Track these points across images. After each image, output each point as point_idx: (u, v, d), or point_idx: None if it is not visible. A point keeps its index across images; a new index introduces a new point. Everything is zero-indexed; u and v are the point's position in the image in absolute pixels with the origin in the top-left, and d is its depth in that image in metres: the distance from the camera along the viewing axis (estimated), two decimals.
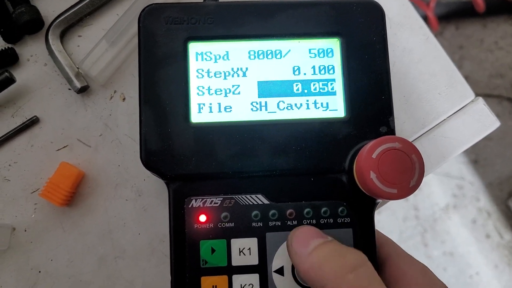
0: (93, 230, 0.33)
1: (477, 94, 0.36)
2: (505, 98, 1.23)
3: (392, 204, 1.31)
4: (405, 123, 0.35)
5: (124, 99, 0.34)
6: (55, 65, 0.34)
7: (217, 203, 0.29)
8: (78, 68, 0.33)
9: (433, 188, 1.21)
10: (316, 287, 0.25)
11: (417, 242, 1.19)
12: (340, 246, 0.26)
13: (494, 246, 1.20)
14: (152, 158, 0.28)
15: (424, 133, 0.35)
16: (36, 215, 0.33)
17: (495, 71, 1.26)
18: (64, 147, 0.33)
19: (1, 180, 0.33)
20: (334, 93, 0.30)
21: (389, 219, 1.20)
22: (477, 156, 1.22)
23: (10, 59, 0.34)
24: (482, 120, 0.35)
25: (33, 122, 0.33)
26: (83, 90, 0.34)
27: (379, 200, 0.29)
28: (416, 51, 0.36)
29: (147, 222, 0.33)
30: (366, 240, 0.29)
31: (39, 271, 0.32)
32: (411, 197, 1.20)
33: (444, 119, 0.35)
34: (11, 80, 0.32)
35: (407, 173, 0.26)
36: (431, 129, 0.35)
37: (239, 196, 0.29)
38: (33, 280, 0.32)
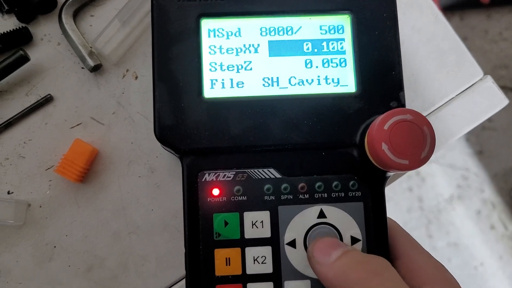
0: (107, 206, 0.33)
1: None
2: (510, 89, 1.23)
3: (396, 195, 1.31)
4: (414, 101, 0.35)
5: (136, 77, 0.34)
6: (68, 44, 0.34)
7: (230, 177, 0.29)
8: (91, 47, 0.34)
9: (437, 179, 1.21)
10: None
11: (422, 233, 1.20)
12: (362, 254, 0.27)
13: (499, 237, 1.20)
14: (166, 133, 0.29)
15: (433, 111, 0.36)
16: (51, 191, 0.33)
17: (500, 62, 1.26)
18: (77, 125, 0.34)
19: (16, 157, 0.33)
20: (345, 69, 0.30)
21: (394, 211, 1.21)
22: (482, 147, 1.22)
23: (24, 38, 0.34)
24: (491, 98, 0.36)
25: (47, 100, 0.34)
26: (96, 69, 0.34)
27: (389, 174, 0.30)
28: (425, 31, 0.36)
29: (160, 198, 0.33)
30: (377, 214, 0.30)
31: (54, 246, 0.33)
32: (415, 188, 1.20)
33: (453, 97, 0.36)
34: (25, 59, 0.33)
35: (419, 144, 0.27)
36: (440, 107, 0.36)
37: (252, 170, 0.30)
38: (49, 255, 0.33)
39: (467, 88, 0.36)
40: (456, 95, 0.36)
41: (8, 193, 0.33)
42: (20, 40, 0.34)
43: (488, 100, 0.35)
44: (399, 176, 0.36)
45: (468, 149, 1.22)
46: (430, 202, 1.21)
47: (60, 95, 0.34)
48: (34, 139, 0.34)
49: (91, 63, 0.33)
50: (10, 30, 0.34)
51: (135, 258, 0.33)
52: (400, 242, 0.29)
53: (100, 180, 0.33)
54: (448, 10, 1.22)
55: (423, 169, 1.20)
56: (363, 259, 0.26)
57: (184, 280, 0.33)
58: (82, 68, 0.34)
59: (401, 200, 1.21)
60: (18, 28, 0.34)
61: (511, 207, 1.21)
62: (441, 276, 0.27)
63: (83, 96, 0.34)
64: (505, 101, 0.36)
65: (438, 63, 0.36)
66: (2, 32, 0.34)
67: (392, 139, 0.27)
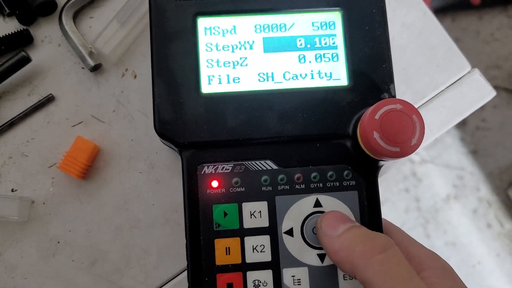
0: (109, 201, 0.34)
1: None
2: (503, 89, 1.24)
3: (393, 196, 1.31)
4: (405, 94, 0.37)
5: (135, 76, 0.36)
6: (68, 45, 0.35)
7: (228, 169, 0.30)
8: (91, 47, 0.35)
9: (433, 179, 1.22)
10: (346, 267, 0.26)
11: (419, 233, 1.20)
12: (368, 230, 0.27)
13: (496, 235, 1.21)
14: (166, 127, 0.30)
15: (423, 104, 0.37)
16: (54, 188, 0.34)
17: (492, 63, 1.28)
18: (79, 123, 0.35)
19: (19, 155, 0.34)
20: (337, 63, 0.32)
21: (391, 211, 1.21)
22: (476, 146, 1.23)
23: (25, 40, 0.35)
24: (479, 90, 0.37)
25: (48, 100, 0.35)
26: (96, 69, 0.35)
27: (382, 163, 0.31)
28: (414, 26, 0.38)
29: (160, 193, 0.34)
30: (371, 202, 0.31)
31: (58, 242, 0.34)
32: (412, 189, 1.21)
33: (442, 90, 0.37)
34: (27, 59, 0.34)
35: (409, 132, 0.28)
36: (430, 99, 0.37)
37: (249, 162, 0.30)
38: (53, 250, 0.33)
39: (456, 81, 0.37)
40: (446, 88, 0.37)
41: (12, 190, 0.34)
42: (22, 42, 0.35)
43: (476, 91, 0.37)
44: (391, 167, 0.37)
45: (463, 148, 1.23)
46: (427, 202, 1.22)
47: (62, 94, 0.35)
48: (36, 138, 0.35)
49: (91, 63, 0.34)
50: (11, 33, 0.35)
51: (137, 252, 0.34)
52: (396, 237, 0.30)
53: (101, 176, 0.34)
54: (439, 12, 1.24)
55: (419, 169, 1.21)
56: (369, 235, 0.27)
57: (185, 272, 0.34)
58: (83, 68, 0.35)
59: (398, 201, 1.22)
60: (19, 30, 0.35)
61: (507, 205, 1.22)
62: (437, 262, 0.28)
63: (83, 95, 0.35)
64: (492, 93, 0.37)
65: (427, 58, 0.37)
66: (3, 35, 0.35)
67: (383, 128, 0.28)
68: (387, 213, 1.34)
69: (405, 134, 0.28)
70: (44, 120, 0.35)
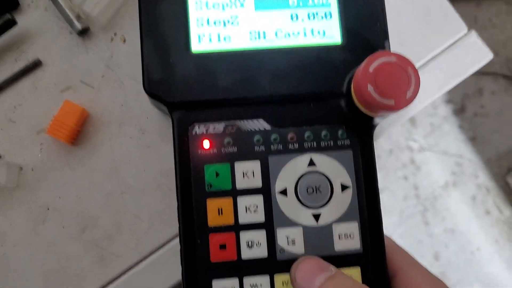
0: (99, 167, 0.33)
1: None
2: (501, 75, 1.24)
3: (392, 184, 1.31)
4: None
5: (124, 40, 0.35)
6: (55, 9, 0.34)
7: (220, 129, 0.30)
8: (78, 10, 0.34)
9: (432, 166, 1.21)
10: None
11: (418, 220, 1.20)
12: (345, 280, 0.26)
13: (494, 221, 1.21)
14: (155, 87, 0.29)
15: (419, 67, 0.36)
16: (42, 154, 0.33)
17: (490, 49, 1.27)
18: (67, 88, 0.34)
19: (7, 122, 0.34)
20: (330, 21, 0.31)
21: (390, 200, 1.21)
22: (474, 133, 1.23)
23: (11, 4, 0.34)
24: (475, 53, 0.36)
25: (36, 65, 0.34)
26: (84, 32, 0.34)
27: (377, 121, 0.30)
28: None
29: (151, 158, 0.34)
30: (366, 162, 0.30)
31: (48, 208, 0.33)
32: (410, 176, 1.21)
33: (439, 53, 0.36)
34: (13, 22, 0.33)
35: (403, 84, 0.27)
36: (426, 62, 0.36)
37: (241, 121, 0.30)
38: (42, 217, 0.33)
39: (452, 43, 0.36)
40: (442, 51, 0.36)
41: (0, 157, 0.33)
42: (7, 6, 0.34)
43: (473, 54, 0.36)
44: (386, 130, 0.37)
45: (461, 135, 1.23)
46: (426, 189, 1.22)
47: (49, 59, 0.34)
48: (24, 104, 0.34)
49: (79, 26, 0.34)
50: None
51: (129, 218, 0.33)
52: (397, 259, 0.29)
53: (91, 142, 0.34)
54: None
55: (418, 157, 1.21)
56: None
57: (177, 237, 0.33)
58: (71, 33, 0.35)
59: (397, 189, 1.22)
60: None
61: (506, 192, 1.22)
62: None
63: (72, 60, 0.34)
64: (489, 55, 0.36)
65: (423, 20, 0.36)
66: None
67: (378, 80, 0.27)
68: (385, 201, 1.33)
69: (400, 87, 0.27)
70: (32, 86, 0.34)
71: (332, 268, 0.27)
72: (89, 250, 0.33)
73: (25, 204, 0.33)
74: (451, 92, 1.21)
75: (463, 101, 1.22)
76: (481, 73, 1.19)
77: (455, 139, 1.23)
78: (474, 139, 1.23)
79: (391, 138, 1.21)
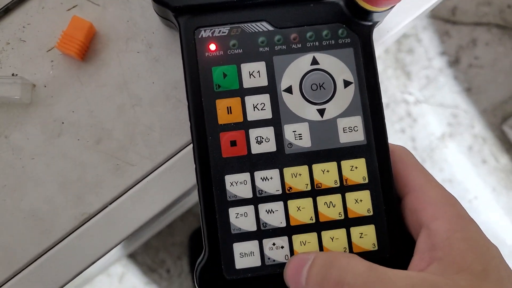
0: (109, 82, 0.35)
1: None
2: (494, 25, 1.24)
3: (389, 137, 1.33)
4: None
5: None
6: None
7: (225, 32, 0.31)
8: None
9: (428, 118, 1.23)
10: None
11: None
12: (324, 260, 0.26)
13: (491, 170, 1.23)
14: None
15: None
16: (54, 71, 0.34)
17: None
18: (73, 7, 0.35)
19: (17, 41, 0.35)
20: None
21: None
22: (470, 84, 1.24)
23: None
24: None
25: None
26: None
27: (376, 19, 0.31)
28: None
29: (159, 71, 0.35)
30: (367, 58, 0.31)
31: (62, 122, 0.34)
32: (407, 129, 1.23)
33: None
34: None
35: None
36: None
37: (245, 24, 0.31)
38: (57, 131, 0.34)
39: None
40: None
41: (13, 75, 0.34)
42: None
43: None
44: (384, 36, 0.37)
45: (457, 87, 1.24)
46: (423, 141, 1.23)
47: None
48: (32, 23, 0.35)
49: None
50: None
51: (141, 128, 0.34)
52: (413, 176, 0.30)
53: (100, 58, 0.35)
54: None
55: (414, 110, 1.22)
56: (325, 272, 0.26)
57: (190, 145, 0.34)
58: None
59: (394, 142, 1.22)
60: None
61: (501, 141, 1.24)
62: (452, 210, 0.27)
63: None
64: None
65: None
66: None
67: None
68: None
69: None
70: (39, 6, 0.35)
71: (310, 256, 0.27)
72: (105, 161, 0.34)
73: (40, 119, 0.34)
74: (446, 44, 1.22)
75: (457, 53, 1.23)
76: (475, 23, 1.19)
77: (450, 91, 1.24)
78: (469, 90, 1.24)
79: (387, 92, 1.22)
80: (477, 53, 1.23)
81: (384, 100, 1.22)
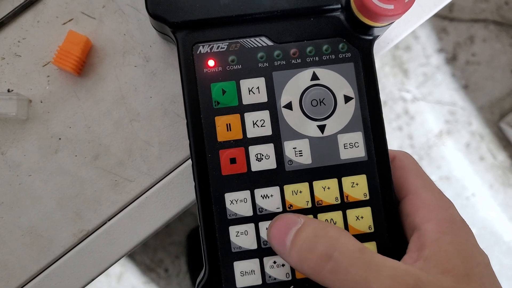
0: (107, 96, 0.34)
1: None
2: (491, 22, 1.24)
3: (386, 135, 1.33)
4: None
5: None
6: None
7: (223, 47, 0.30)
8: None
9: (426, 115, 1.23)
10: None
11: None
12: (313, 227, 0.26)
13: (488, 167, 1.24)
14: (158, 7, 0.30)
15: None
16: (50, 86, 0.34)
17: None
18: (69, 20, 0.34)
19: (12, 56, 0.34)
20: None
21: None
22: (467, 81, 1.24)
23: None
24: None
25: None
26: None
27: (377, 33, 0.31)
28: None
29: (157, 85, 0.34)
30: (367, 73, 0.31)
31: (59, 138, 0.34)
32: (404, 126, 1.23)
33: None
34: None
35: None
36: None
37: (244, 39, 0.31)
38: (55, 147, 0.34)
39: None
40: None
41: (8, 91, 0.34)
42: None
43: None
44: (384, 48, 0.37)
45: (454, 84, 1.24)
46: (420, 139, 1.23)
47: None
48: (28, 38, 0.34)
49: None
50: None
51: (139, 144, 0.34)
52: (410, 180, 0.30)
53: (97, 72, 0.34)
54: None
55: (412, 107, 1.22)
56: (313, 241, 0.25)
57: (188, 160, 0.34)
58: None
59: (392, 139, 1.23)
60: None
61: (499, 137, 1.24)
62: (444, 214, 0.27)
63: None
64: None
65: None
66: None
67: None
68: None
69: None
70: (34, 19, 0.34)
71: (301, 219, 0.27)
72: (103, 177, 0.34)
73: (37, 135, 0.34)
74: (443, 41, 1.21)
75: (454, 50, 1.23)
76: (472, 20, 1.19)
77: (448, 88, 1.24)
78: (466, 87, 1.24)
79: (384, 89, 1.21)
80: (475, 50, 1.23)
81: (382, 97, 1.22)
